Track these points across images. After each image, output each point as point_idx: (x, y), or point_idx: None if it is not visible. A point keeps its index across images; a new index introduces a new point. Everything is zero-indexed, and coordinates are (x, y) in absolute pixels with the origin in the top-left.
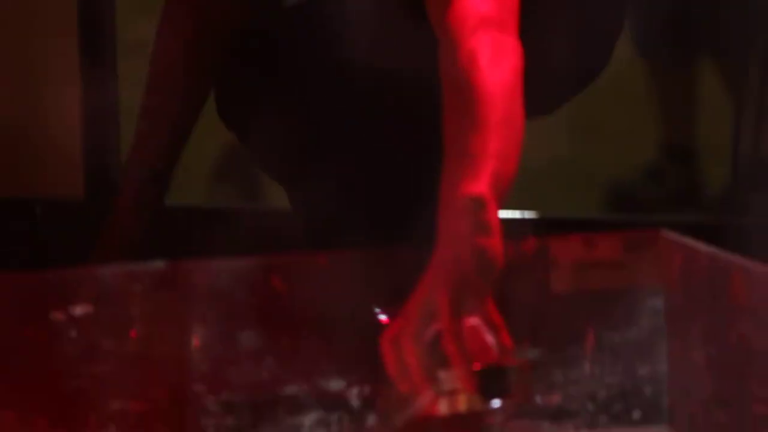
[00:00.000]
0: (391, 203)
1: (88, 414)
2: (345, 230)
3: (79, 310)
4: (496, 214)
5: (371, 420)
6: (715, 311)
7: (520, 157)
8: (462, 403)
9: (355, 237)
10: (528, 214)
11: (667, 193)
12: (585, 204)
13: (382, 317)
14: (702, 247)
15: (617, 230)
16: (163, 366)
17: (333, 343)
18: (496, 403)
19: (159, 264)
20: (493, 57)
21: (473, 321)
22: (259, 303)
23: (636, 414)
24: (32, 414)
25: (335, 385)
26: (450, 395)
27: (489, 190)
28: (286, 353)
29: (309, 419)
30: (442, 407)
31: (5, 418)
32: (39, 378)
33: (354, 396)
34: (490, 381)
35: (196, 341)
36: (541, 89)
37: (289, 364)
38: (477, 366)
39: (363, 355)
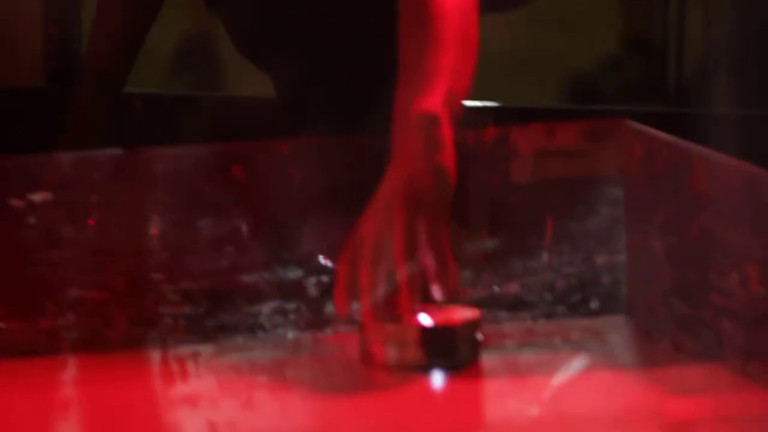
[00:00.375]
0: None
1: (46, 302)
2: (319, 116)
3: (38, 197)
4: (449, 131)
5: (329, 309)
6: (676, 201)
7: (474, 75)
8: (409, 357)
9: (330, 124)
10: (489, 104)
11: (629, 83)
12: (547, 94)
13: (326, 262)
14: (663, 136)
15: (578, 119)
16: (122, 254)
17: (293, 231)
18: (439, 362)
19: (118, 151)
20: None
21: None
22: (219, 191)
23: (594, 304)
24: None
25: (293, 274)
26: (397, 346)
27: (443, 108)
28: (244, 242)
29: (267, 308)
30: (390, 356)
31: None
32: None
33: (312, 285)
34: (436, 339)
35: (154, 230)
36: None
37: (248, 252)
38: (425, 324)
39: (322, 245)
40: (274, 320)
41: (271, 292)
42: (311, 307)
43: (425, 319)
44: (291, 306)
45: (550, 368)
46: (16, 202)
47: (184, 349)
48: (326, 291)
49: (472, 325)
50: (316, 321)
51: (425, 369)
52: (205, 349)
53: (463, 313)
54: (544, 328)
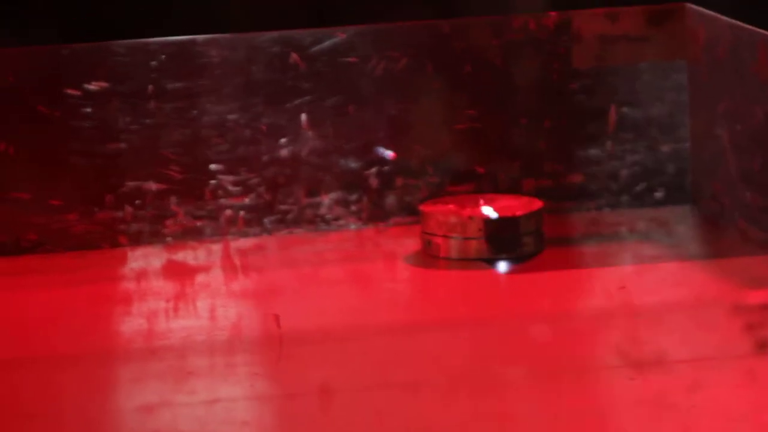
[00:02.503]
0: None
1: (104, 194)
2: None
3: (94, 86)
4: None
5: (390, 200)
6: (741, 87)
7: None
8: (472, 249)
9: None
10: None
11: None
12: None
13: (387, 153)
14: (727, 20)
15: (641, 3)
16: (180, 145)
17: (354, 121)
18: (502, 254)
19: (176, 39)
20: None
21: None
22: (277, 78)
23: (659, 193)
24: (47, 195)
25: (354, 165)
26: (461, 238)
27: None
28: (304, 132)
29: (328, 199)
30: (453, 247)
31: (21, 200)
32: (55, 157)
33: (373, 176)
34: (501, 232)
35: (213, 119)
36: None
37: (308, 143)
38: (489, 216)
39: (383, 135)
40: (335, 212)
41: (332, 183)
42: (372, 198)
43: (489, 211)
44: (352, 197)
45: (615, 259)
46: (72, 92)
47: (244, 242)
48: (387, 182)
49: (536, 216)
50: (377, 213)
51: (489, 261)
52: (266, 241)
53: (526, 204)
54: (608, 218)
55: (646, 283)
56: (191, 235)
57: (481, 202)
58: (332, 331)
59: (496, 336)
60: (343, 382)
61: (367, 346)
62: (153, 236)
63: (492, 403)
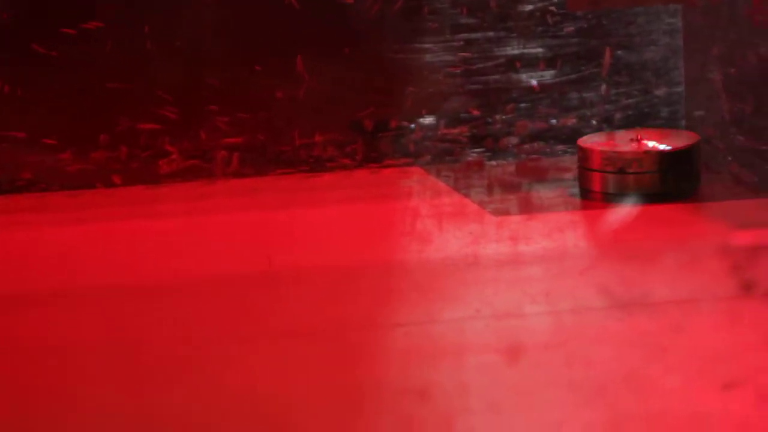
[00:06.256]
0: None
1: (98, 133)
2: None
3: (89, 26)
4: None
5: (384, 143)
6: (734, 30)
7: None
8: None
9: None
10: None
11: None
12: None
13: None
14: None
15: None
16: (175, 86)
17: (349, 63)
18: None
19: None
20: None
21: None
22: (274, 20)
23: None
24: (41, 135)
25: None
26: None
27: None
28: (300, 74)
29: (323, 140)
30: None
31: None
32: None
33: (367, 118)
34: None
35: (209, 59)
36: None
37: (304, 84)
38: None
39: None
40: (329, 153)
41: (328, 124)
42: (367, 141)
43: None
44: (346, 140)
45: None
46: (68, 32)
47: (241, 182)
48: (381, 124)
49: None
50: (372, 155)
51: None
52: (261, 182)
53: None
54: None
55: (636, 225)
56: (186, 174)
57: (639, 136)
58: None
59: None
60: None
61: None
62: (148, 176)
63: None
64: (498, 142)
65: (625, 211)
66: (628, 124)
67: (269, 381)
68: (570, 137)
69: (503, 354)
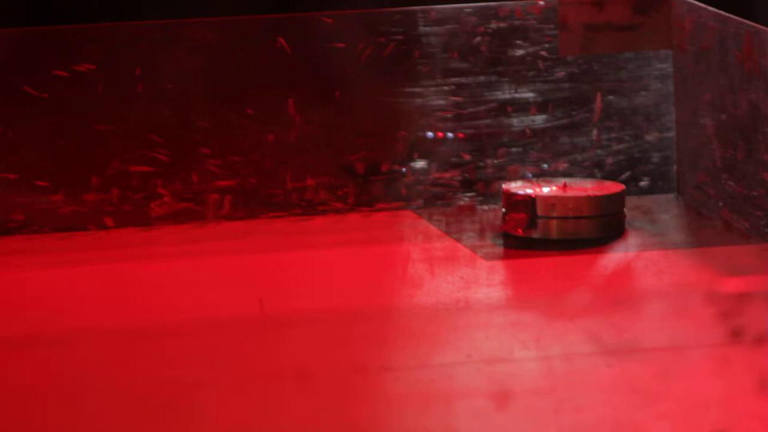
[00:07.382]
0: None
1: (90, 176)
2: None
3: (81, 69)
4: None
5: (375, 187)
6: (725, 76)
7: None
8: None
9: None
10: None
11: None
12: None
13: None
14: (713, 10)
15: None
16: (167, 128)
17: (340, 107)
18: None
19: (164, 21)
20: None
21: None
22: (265, 63)
23: (644, 182)
24: (33, 176)
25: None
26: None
27: None
28: (291, 116)
29: (315, 184)
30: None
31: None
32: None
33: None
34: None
35: (201, 102)
36: None
37: (295, 128)
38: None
39: (369, 121)
40: (321, 196)
41: (319, 168)
42: (358, 185)
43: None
44: (338, 184)
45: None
46: (59, 74)
47: (232, 225)
48: (372, 168)
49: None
50: (364, 199)
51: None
52: (253, 225)
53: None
54: None
55: (626, 271)
56: (177, 217)
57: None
58: None
59: None
60: None
61: None
62: (139, 218)
63: None
64: (489, 187)
65: (616, 257)
66: (620, 169)
67: (259, 424)
68: None
69: (493, 399)
